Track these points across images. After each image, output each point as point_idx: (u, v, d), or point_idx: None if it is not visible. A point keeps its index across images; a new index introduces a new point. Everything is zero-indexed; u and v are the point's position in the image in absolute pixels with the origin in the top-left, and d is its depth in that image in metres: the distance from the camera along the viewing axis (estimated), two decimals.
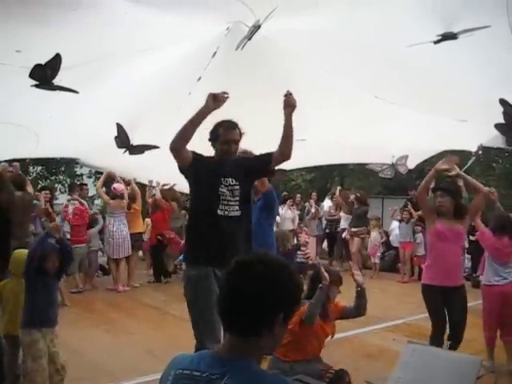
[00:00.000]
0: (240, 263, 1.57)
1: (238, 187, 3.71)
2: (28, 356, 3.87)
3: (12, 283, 4.27)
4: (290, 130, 3.72)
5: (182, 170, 3.75)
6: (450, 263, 4.60)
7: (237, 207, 3.69)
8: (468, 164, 6.73)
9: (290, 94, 3.67)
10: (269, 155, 3.80)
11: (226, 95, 3.68)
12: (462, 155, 7.85)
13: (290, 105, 3.67)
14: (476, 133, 4.97)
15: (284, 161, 3.83)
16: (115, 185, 9.19)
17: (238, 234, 3.67)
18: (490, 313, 5.11)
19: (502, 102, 3.98)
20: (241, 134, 3.78)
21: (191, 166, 3.66)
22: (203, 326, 3.54)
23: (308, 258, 9.90)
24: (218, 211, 3.63)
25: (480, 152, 5.48)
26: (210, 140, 3.78)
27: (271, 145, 3.85)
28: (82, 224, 8.90)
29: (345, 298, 4.25)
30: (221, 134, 3.72)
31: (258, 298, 1.48)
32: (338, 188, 12.45)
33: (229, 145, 3.71)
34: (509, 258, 5.07)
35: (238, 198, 3.69)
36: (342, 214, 11.78)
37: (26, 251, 4.22)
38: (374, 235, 11.35)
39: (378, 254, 11.28)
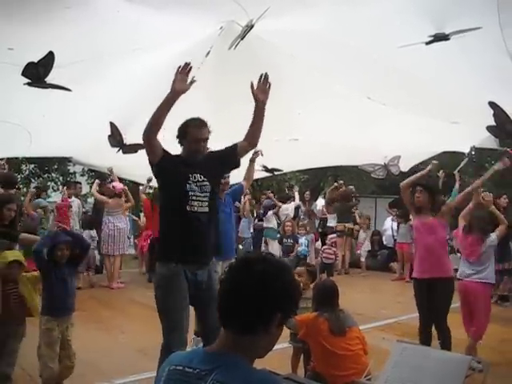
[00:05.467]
0: (242, 261, 1.60)
1: (207, 183, 3.70)
2: (42, 342, 4.10)
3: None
4: (261, 119, 3.74)
5: (151, 166, 3.75)
6: (422, 256, 4.93)
7: (206, 203, 3.68)
8: (461, 165, 6.77)
9: (265, 79, 3.67)
10: (234, 147, 3.80)
11: (194, 80, 3.69)
12: (454, 157, 7.88)
13: (264, 92, 3.69)
14: (468, 134, 5.00)
15: (251, 149, 3.84)
16: (114, 183, 9.24)
17: (207, 231, 3.69)
18: (463, 307, 5.24)
19: (492, 104, 4.00)
20: (209, 132, 3.76)
21: (159, 162, 3.69)
22: (169, 325, 3.61)
23: (335, 257, 9.95)
24: (187, 207, 3.62)
25: (473, 153, 5.53)
26: (177, 137, 3.79)
27: (263, 142, 3.88)
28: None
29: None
30: (190, 132, 3.71)
31: (256, 295, 1.50)
32: (335, 184, 12.36)
33: (198, 143, 3.71)
34: (474, 256, 5.17)
35: (207, 195, 3.68)
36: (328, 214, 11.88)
37: None
38: (362, 234, 11.43)
39: (360, 252, 11.36)
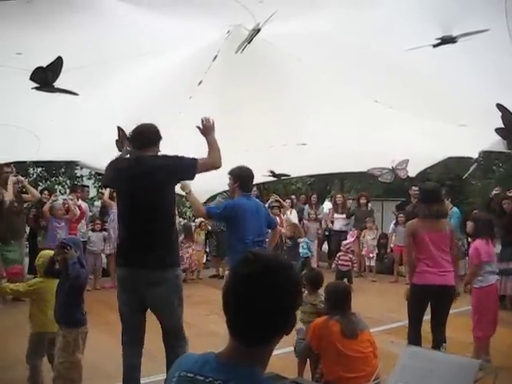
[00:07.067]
0: (245, 270, 1.48)
1: None
2: None
3: (45, 282, 4.39)
4: (214, 146, 4.11)
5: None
6: None
7: None
8: (470, 170, 6.72)
9: (207, 121, 4.11)
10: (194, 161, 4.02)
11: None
12: (462, 161, 7.86)
13: (208, 131, 4.10)
14: (477, 138, 4.97)
15: (215, 169, 4.15)
16: None
17: None
18: (493, 311, 5.29)
19: (499, 106, 3.99)
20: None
21: None
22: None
23: (353, 264, 9.85)
24: None
25: (481, 157, 5.50)
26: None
27: (271, 146, 3.88)
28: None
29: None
30: None
31: (272, 308, 1.45)
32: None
33: None
34: None
35: None
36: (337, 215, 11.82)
37: (52, 252, 4.37)
38: (369, 237, 11.35)
39: (371, 255, 11.28)
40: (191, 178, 4.12)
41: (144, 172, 3.88)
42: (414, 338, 4.89)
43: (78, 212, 9.23)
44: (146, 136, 4.02)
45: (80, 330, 4.20)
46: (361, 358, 3.72)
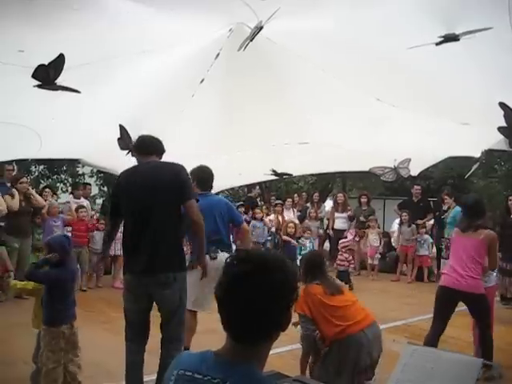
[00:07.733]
0: (237, 269, 1.48)
1: None
2: None
3: None
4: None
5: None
6: None
7: None
8: (472, 170, 6.69)
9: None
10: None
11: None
12: (463, 159, 7.86)
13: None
14: (479, 137, 4.95)
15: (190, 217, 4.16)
16: None
17: None
18: (492, 311, 5.32)
19: (502, 105, 3.97)
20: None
21: None
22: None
23: (349, 264, 9.83)
24: None
25: (483, 157, 5.48)
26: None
27: (273, 144, 3.87)
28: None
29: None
30: None
31: (265, 309, 1.44)
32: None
33: None
34: None
35: None
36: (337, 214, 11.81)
37: None
38: (372, 236, 11.33)
39: (376, 256, 11.27)
40: (184, 199, 4.07)
41: (151, 175, 3.97)
42: (429, 336, 4.95)
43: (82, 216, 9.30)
44: (149, 144, 4.15)
45: (49, 328, 4.17)
46: (350, 305, 3.92)
